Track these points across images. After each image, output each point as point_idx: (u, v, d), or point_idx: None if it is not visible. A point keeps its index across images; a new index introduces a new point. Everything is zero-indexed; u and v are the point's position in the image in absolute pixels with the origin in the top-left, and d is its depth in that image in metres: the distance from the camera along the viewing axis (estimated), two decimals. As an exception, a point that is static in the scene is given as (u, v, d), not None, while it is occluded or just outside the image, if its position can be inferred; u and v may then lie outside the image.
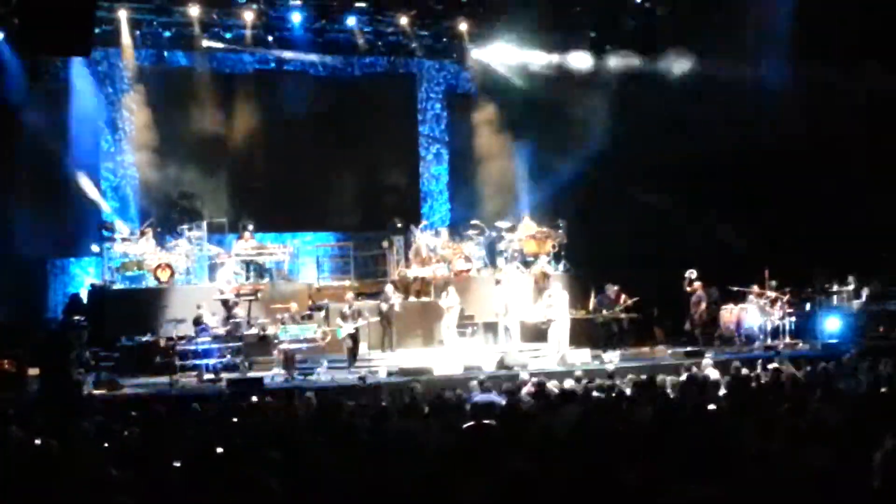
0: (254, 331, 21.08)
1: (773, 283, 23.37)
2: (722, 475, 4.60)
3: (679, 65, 25.89)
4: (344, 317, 20.77)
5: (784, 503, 5.62)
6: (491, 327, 22.98)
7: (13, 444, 11.63)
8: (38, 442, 12.39)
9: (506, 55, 28.10)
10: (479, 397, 14.54)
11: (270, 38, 26.61)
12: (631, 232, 25.55)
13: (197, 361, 19.71)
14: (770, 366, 17.16)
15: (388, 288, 22.70)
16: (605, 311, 22.68)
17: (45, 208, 22.93)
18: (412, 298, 23.88)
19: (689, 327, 23.48)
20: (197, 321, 20.26)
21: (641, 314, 23.31)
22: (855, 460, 7.43)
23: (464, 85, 29.07)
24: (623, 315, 22.85)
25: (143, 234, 23.27)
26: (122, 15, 24.36)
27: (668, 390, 14.31)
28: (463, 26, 27.44)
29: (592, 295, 23.94)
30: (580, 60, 27.35)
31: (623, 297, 22.95)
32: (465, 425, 5.01)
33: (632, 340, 23.28)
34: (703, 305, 23.18)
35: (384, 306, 21.97)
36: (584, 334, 22.59)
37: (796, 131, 24.81)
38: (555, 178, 26.65)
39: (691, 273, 23.09)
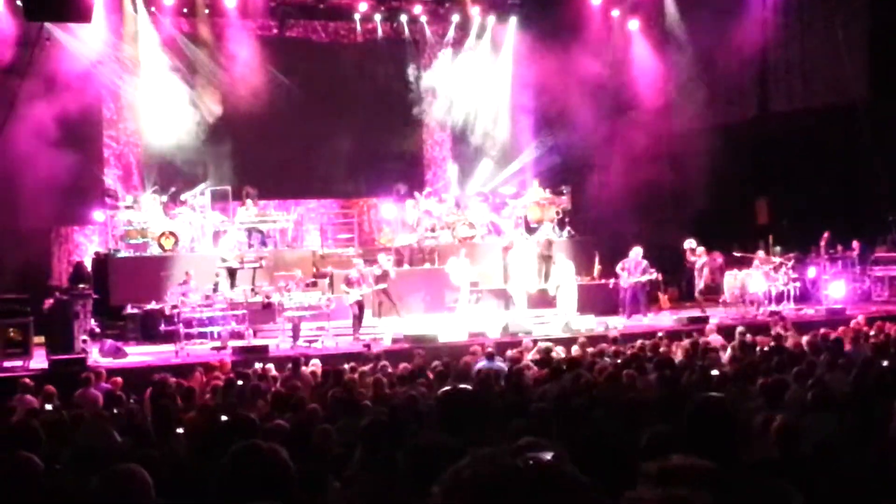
0: (258, 298, 21.10)
1: (778, 248, 23.35)
2: (725, 443, 4.59)
3: None
4: (350, 283, 20.74)
5: (788, 472, 5.61)
6: (496, 294, 22.93)
7: (22, 411, 11.69)
8: (48, 407, 12.49)
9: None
10: (482, 364, 14.58)
11: (273, 4, 26.48)
12: (635, 200, 25.45)
13: (202, 329, 19.74)
14: (774, 331, 17.19)
15: (381, 256, 22.63)
16: (629, 277, 22.36)
17: (49, 177, 22.87)
18: (408, 266, 23.84)
19: (697, 295, 23.26)
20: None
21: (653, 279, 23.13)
22: (860, 427, 7.44)
23: (467, 51, 28.88)
24: (646, 279, 22.55)
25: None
26: (124, -19, 24.32)
27: (673, 356, 14.34)
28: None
29: (597, 261, 23.92)
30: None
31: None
32: (441, 390, 5.00)
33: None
34: (707, 272, 23.01)
35: (378, 271, 21.88)
36: (590, 300, 22.51)
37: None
38: (560, 143, 26.61)
39: (690, 242, 22.98)
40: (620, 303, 22.45)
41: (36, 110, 22.31)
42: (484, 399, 8.29)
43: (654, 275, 22.39)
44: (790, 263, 22.77)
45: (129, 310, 21.10)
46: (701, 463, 3.26)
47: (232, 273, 22.03)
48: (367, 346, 18.56)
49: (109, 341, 19.18)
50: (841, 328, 16.73)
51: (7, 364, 17.14)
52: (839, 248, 24.10)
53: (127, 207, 23.44)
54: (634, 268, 22.38)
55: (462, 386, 5.08)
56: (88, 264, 23.02)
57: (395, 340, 19.42)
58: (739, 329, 17.37)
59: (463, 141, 28.90)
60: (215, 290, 20.69)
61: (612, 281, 22.61)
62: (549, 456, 2.80)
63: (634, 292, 22.34)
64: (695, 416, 4.78)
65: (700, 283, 22.80)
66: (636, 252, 22.53)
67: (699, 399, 5.02)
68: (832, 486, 5.32)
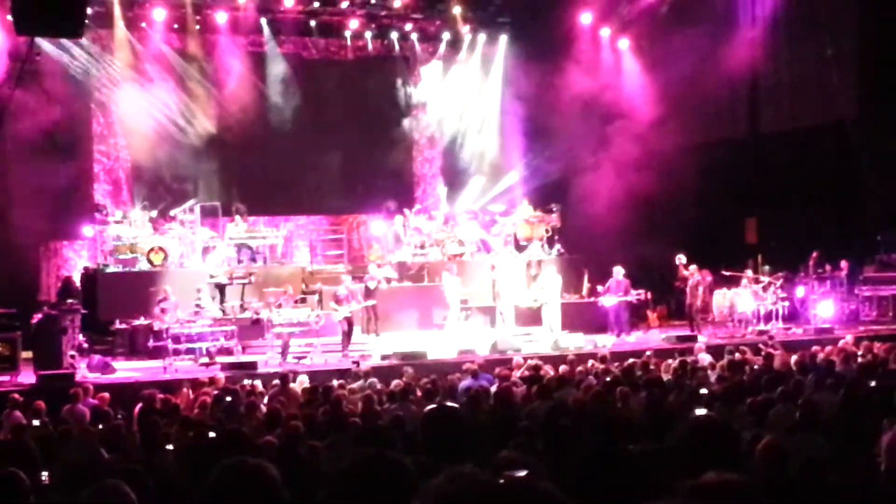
0: (247, 314, 21.07)
1: (767, 267, 23.37)
2: (714, 462, 4.58)
3: None
4: (338, 300, 20.72)
5: (778, 490, 5.62)
6: (486, 311, 22.90)
7: (10, 427, 11.65)
8: (35, 423, 12.43)
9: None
10: (470, 382, 14.57)
11: (264, 21, 26.51)
12: (624, 218, 25.48)
13: (191, 345, 19.67)
14: (764, 351, 17.20)
15: (372, 268, 22.67)
16: (610, 296, 22.43)
17: (38, 191, 22.84)
18: (397, 283, 23.82)
19: (688, 312, 23.17)
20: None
21: (637, 299, 23.12)
22: (849, 446, 7.45)
23: (457, 68, 28.93)
24: (632, 299, 22.58)
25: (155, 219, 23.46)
26: (115, -4, 24.35)
27: (662, 375, 14.34)
28: (457, 9, 27.40)
29: (586, 278, 23.93)
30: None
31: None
32: (426, 408, 5.00)
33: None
34: (701, 290, 22.89)
35: (371, 284, 21.88)
36: (579, 318, 22.51)
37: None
38: (549, 161, 26.67)
39: (680, 258, 22.99)
40: (608, 321, 22.47)
41: (25, 125, 22.29)
42: (470, 418, 8.28)
43: (637, 294, 22.44)
44: (779, 283, 22.77)
45: (118, 325, 21.03)
46: (736, 479, 3.24)
47: (221, 289, 21.99)
48: (356, 362, 18.51)
49: (97, 357, 19.13)
50: (829, 348, 16.75)
51: (-5, 379, 17.06)
52: (828, 267, 24.11)
53: (116, 223, 23.38)
54: (616, 287, 22.43)
55: (448, 404, 5.06)
56: (77, 279, 22.94)
57: (384, 357, 19.39)
58: (728, 348, 17.38)
59: (453, 158, 28.95)
60: (198, 306, 20.59)
61: (600, 300, 22.62)
62: (523, 473, 2.80)
63: (618, 311, 22.38)
64: (693, 434, 4.77)
65: (697, 302, 22.69)
66: (618, 271, 22.59)
67: (696, 417, 5.01)
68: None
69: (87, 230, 24.80)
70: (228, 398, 13.54)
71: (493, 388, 13.05)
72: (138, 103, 25.21)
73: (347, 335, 20.62)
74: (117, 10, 24.66)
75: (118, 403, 14.35)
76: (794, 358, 15.42)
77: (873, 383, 11.43)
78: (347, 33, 27.53)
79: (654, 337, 22.50)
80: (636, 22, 27.02)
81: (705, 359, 16.74)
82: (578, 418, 8.92)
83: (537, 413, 10.16)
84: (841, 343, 17.55)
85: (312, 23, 27.07)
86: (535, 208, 25.79)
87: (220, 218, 24.58)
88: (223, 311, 21.34)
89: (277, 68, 26.96)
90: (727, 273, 23.37)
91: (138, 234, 22.97)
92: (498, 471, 3.41)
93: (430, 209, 27.02)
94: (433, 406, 4.88)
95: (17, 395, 14.09)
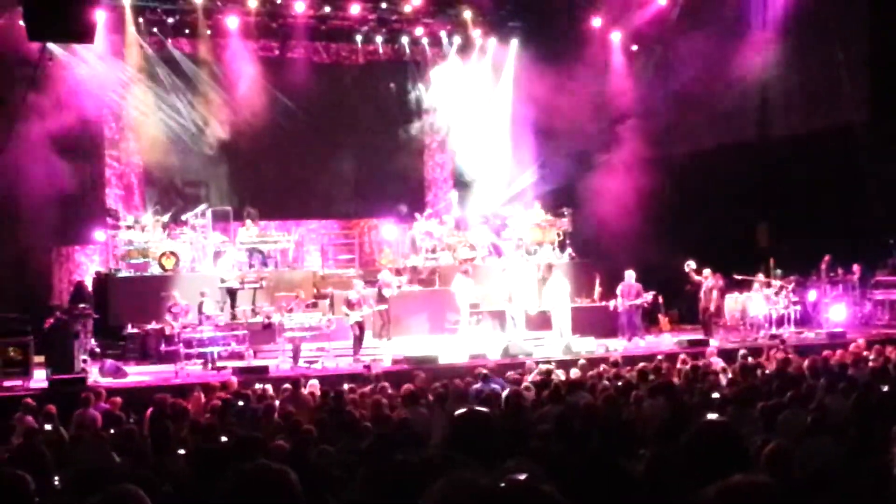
0: (258, 319, 21.10)
1: (779, 271, 23.30)
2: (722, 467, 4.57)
3: None
4: (350, 304, 20.74)
5: (789, 493, 5.60)
6: (497, 315, 22.89)
7: (22, 431, 11.68)
8: (47, 427, 12.47)
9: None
10: (482, 386, 14.55)
11: (274, 26, 26.55)
12: (635, 222, 25.44)
13: (202, 349, 19.69)
14: (780, 355, 17.14)
15: (384, 274, 22.67)
16: (622, 300, 22.44)
17: (50, 196, 22.91)
18: (412, 287, 23.83)
19: (701, 317, 23.08)
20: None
21: (647, 302, 23.07)
22: (861, 450, 7.42)
23: (468, 73, 28.92)
24: (643, 302, 22.59)
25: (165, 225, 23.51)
26: (127, 1, 24.36)
27: (674, 379, 14.31)
28: (467, 13, 27.40)
29: (597, 283, 23.89)
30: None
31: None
32: (456, 412, 4.98)
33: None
34: (716, 294, 22.75)
35: (387, 292, 21.91)
36: (590, 322, 22.48)
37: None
38: (560, 165, 26.66)
39: (689, 264, 22.91)
40: (619, 326, 22.46)
41: (38, 130, 22.36)
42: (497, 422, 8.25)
43: (647, 297, 22.43)
44: (791, 287, 22.72)
45: (130, 329, 21.07)
46: (764, 480, 3.24)
47: (232, 293, 22.04)
48: (368, 367, 18.50)
49: (109, 361, 19.16)
50: (840, 352, 16.69)
51: (7, 383, 17.10)
52: (840, 271, 24.07)
53: (128, 227, 23.44)
54: (627, 291, 22.42)
55: (478, 408, 5.04)
56: (89, 284, 23.01)
57: (395, 361, 19.39)
58: (742, 352, 17.34)
59: (463, 162, 28.93)
60: (200, 311, 20.61)
61: (612, 303, 22.61)
62: (523, 476, 2.80)
63: (630, 315, 22.36)
64: (700, 439, 4.75)
65: (711, 306, 22.58)
66: (629, 275, 22.57)
67: (704, 422, 4.99)
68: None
69: (99, 235, 24.87)
70: (240, 402, 13.56)
71: (505, 393, 13.03)
72: (149, 108, 25.28)
73: (359, 339, 20.64)
74: (129, 16, 24.72)
75: (130, 407, 14.38)
76: (805, 362, 15.37)
77: (886, 387, 11.38)
78: (358, 37, 27.55)
79: (665, 341, 22.47)
80: (647, 26, 26.96)
81: (717, 363, 16.71)
82: (589, 422, 8.91)
83: (548, 417, 10.15)
84: (853, 347, 17.49)
85: (323, 27, 27.09)
86: (546, 212, 25.77)
87: (232, 222, 24.63)
88: (234, 316, 21.40)
89: (288, 73, 26.94)
90: (739, 277, 23.29)
91: (150, 238, 23.02)
92: (499, 473, 3.41)
93: (442, 213, 27.02)
94: (463, 410, 4.87)
95: (30, 400, 14.12)
